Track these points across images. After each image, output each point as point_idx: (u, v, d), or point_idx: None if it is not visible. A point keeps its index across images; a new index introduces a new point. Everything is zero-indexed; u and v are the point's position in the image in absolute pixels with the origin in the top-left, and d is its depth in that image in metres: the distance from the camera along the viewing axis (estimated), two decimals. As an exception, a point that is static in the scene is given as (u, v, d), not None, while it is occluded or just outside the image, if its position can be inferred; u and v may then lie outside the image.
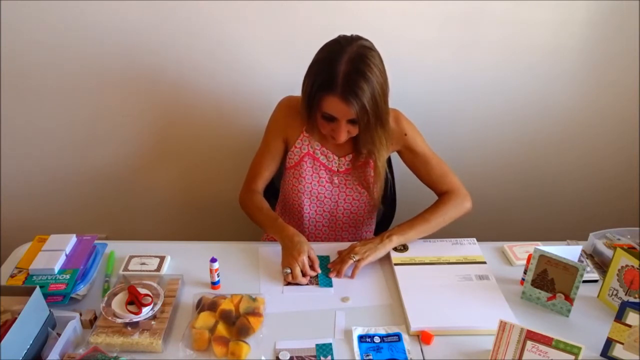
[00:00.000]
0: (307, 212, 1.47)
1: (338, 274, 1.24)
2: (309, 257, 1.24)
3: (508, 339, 0.96)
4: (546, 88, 1.77)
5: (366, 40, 1.22)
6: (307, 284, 1.22)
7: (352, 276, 1.24)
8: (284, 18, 1.60)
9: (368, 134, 1.26)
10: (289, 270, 1.22)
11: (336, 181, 1.42)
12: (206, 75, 1.70)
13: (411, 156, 1.42)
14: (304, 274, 1.21)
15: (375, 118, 1.21)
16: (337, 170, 1.41)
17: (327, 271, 1.26)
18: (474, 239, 1.36)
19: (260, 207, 1.39)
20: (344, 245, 1.34)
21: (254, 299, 1.13)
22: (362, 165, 1.40)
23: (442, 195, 1.41)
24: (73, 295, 1.13)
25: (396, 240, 1.29)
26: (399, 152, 1.43)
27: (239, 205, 1.45)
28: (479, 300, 1.16)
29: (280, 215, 1.59)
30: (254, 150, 1.47)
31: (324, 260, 1.30)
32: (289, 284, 1.22)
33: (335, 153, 1.40)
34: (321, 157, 1.40)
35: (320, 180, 1.42)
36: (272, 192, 1.60)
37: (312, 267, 1.23)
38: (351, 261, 1.24)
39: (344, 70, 1.15)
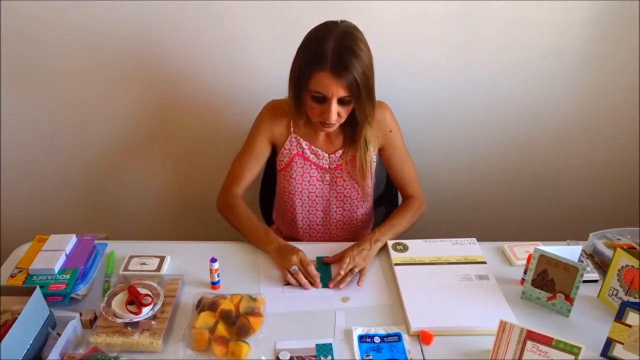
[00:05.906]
0: (300, 212, 1.47)
1: (340, 285, 1.22)
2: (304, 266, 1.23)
3: (508, 339, 0.96)
4: (546, 88, 1.76)
5: (351, 22, 1.24)
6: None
7: (359, 284, 1.23)
8: (283, 18, 1.60)
9: (360, 105, 1.25)
10: (296, 268, 1.21)
11: (327, 178, 1.42)
12: (206, 74, 1.70)
13: (390, 153, 1.44)
14: (305, 275, 1.21)
15: (366, 92, 1.22)
16: (329, 167, 1.41)
17: (326, 272, 1.26)
18: (474, 239, 1.36)
19: (248, 216, 1.37)
20: (340, 245, 1.33)
21: (254, 299, 1.13)
22: (352, 160, 1.40)
23: (407, 199, 1.48)
24: (73, 295, 1.13)
25: (380, 244, 1.32)
26: (380, 150, 1.44)
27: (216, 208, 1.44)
28: (479, 300, 1.16)
29: (276, 219, 1.59)
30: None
31: (321, 262, 1.30)
32: (287, 284, 1.22)
33: (325, 150, 1.40)
34: (311, 156, 1.40)
35: (311, 179, 1.42)
36: (270, 196, 1.60)
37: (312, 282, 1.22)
38: (354, 274, 1.23)
39: (333, 46, 1.17)
